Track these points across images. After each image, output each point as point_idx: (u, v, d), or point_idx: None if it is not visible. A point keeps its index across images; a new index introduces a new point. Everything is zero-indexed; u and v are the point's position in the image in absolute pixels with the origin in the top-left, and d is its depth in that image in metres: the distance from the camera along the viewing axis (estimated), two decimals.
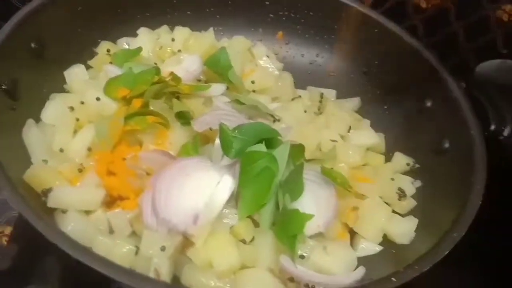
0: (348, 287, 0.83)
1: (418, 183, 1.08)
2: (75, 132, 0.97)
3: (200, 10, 1.33)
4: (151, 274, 0.79)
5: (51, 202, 0.84)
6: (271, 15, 1.38)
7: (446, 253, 0.79)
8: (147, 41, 1.22)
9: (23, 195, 0.76)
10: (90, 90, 1.01)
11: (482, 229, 0.83)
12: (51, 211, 0.85)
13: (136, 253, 0.84)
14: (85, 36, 1.16)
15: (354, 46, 1.34)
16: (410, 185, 1.07)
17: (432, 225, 0.92)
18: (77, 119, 0.98)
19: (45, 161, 0.92)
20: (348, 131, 1.17)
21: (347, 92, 1.32)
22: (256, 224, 0.91)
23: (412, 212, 1.03)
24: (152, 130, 0.96)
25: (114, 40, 1.23)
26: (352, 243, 0.98)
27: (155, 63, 1.16)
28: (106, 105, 0.99)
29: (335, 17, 1.33)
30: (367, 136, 1.19)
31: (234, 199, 0.90)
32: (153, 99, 0.99)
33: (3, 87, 0.91)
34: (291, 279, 0.85)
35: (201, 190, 0.88)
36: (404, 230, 0.97)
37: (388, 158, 1.16)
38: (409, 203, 1.04)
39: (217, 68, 1.15)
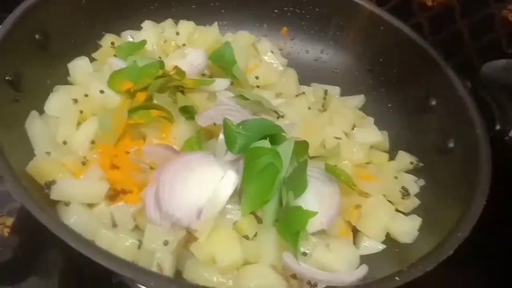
0: (351, 285, 0.83)
1: (422, 182, 1.07)
2: (78, 124, 0.96)
3: (205, 4, 1.33)
4: (154, 268, 0.79)
5: (54, 195, 0.83)
6: (276, 11, 1.37)
7: (450, 253, 0.79)
8: (151, 34, 1.22)
9: (26, 187, 0.76)
10: (94, 82, 1.00)
11: (486, 229, 0.83)
12: (54, 203, 0.85)
13: (139, 247, 0.84)
14: (89, 28, 1.15)
15: (359, 43, 1.33)
16: (413, 184, 1.07)
17: (436, 224, 0.92)
18: (81, 112, 0.97)
19: (48, 153, 0.92)
20: (352, 129, 1.16)
21: (351, 89, 1.31)
22: (259, 220, 0.90)
23: (415, 211, 1.02)
24: (156, 124, 0.95)
25: (118, 33, 1.22)
26: (355, 241, 0.98)
27: (160, 57, 1.15)
28: (110, 98, 0.99)
29: (341, 13, 1.33)
30: (371, 133, 1.18)
31: (238, 195, 0.90)
32: (157, 92, 0.98)
33: (7, 78, 0.91)
34: (294, 276, 0.85)
35: (205, 185, 0.88)
36: (407, 229, 0.97)
37: (392, 156, 1.15)
38: (413, 202, 1.03)
39: (221, 63, 1.14)
